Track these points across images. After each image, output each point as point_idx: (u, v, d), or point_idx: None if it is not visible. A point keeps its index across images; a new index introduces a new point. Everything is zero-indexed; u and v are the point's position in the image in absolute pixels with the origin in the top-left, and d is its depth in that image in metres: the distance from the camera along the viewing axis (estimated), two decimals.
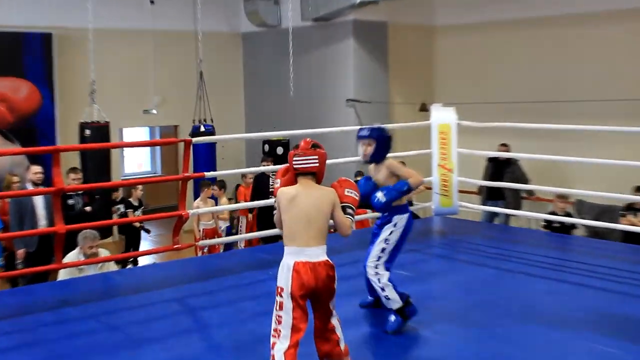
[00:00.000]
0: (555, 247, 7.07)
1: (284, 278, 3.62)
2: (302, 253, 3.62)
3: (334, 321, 3.75)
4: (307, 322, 3.63)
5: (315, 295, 3.67)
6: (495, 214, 10.10)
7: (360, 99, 12.17)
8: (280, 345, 3.57)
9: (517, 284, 5.65)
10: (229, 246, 9.72)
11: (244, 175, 10.86)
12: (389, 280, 4.61)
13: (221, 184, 10.26)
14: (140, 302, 5.22)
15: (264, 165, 10.33)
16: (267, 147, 12.85)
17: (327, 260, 3.67)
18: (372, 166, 4.84)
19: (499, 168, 10.15)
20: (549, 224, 8.29)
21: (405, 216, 4.72)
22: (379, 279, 4.61)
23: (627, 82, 10.83)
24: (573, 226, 8.41)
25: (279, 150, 12.74)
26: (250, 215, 10.43)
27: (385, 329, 4.55)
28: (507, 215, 9.89)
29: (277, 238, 10.54)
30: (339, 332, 3.75)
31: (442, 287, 5.62)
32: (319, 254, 3.64)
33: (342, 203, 3.80)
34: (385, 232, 4.69)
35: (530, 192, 10.33)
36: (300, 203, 3.68)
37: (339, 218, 3.76)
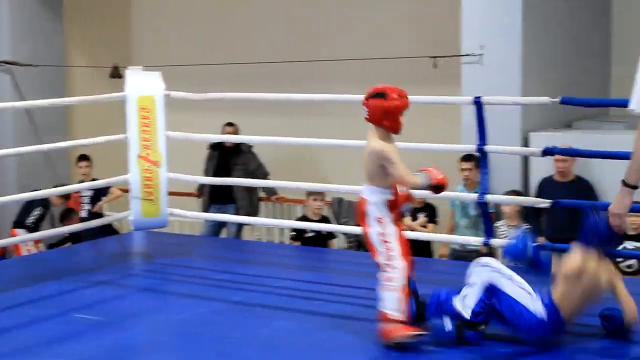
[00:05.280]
0: (309, 267, 7.33)
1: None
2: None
3: (385, 276, 4.96)
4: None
5: None
6: (222, 224, 10.29)
7: (19, 60, 11.90)
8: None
9: (256, 322, 5.76)
10: None
11: None
12: None
13: None
14: None
15: None
16: None
17: (364, 197, 5.08)
18: None
19: (226, 159, 10.33)
20: (299, 233, 8.58)
21: None
22: None
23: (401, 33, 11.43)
24: (331, 235, 8.78)
25: None
26: None
27: None
28: (240, 225, 10.11)
29: None
30: (383, 291, 4.95)
31: (150, 334, 5.60)
32: (364, 191, 5.13)
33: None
34: None
35: (270, 191, 10.62)
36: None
37: (392, 171, 5.00)
